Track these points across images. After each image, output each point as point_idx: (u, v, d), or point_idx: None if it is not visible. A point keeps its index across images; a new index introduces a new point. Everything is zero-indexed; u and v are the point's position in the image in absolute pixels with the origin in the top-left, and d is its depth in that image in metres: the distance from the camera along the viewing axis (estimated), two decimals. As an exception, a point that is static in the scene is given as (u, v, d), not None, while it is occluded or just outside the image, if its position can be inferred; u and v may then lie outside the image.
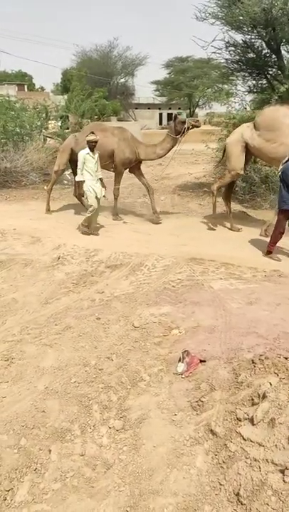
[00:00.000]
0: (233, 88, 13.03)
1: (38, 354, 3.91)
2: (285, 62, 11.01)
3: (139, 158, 8.84)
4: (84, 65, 39.03)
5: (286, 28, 9.88)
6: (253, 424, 2.67)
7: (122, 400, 3.26)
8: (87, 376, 3.55)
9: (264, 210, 9.37)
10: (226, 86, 13.43)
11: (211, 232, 8.02)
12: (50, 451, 2.86)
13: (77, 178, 7.84)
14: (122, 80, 42.60)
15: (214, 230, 8.09)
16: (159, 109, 47.23)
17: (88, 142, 7.50)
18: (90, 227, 7.72)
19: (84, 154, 7.51)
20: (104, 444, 2.89)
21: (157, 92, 48.71)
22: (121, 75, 42.34)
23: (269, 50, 10.93)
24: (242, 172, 8.00)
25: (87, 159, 7.52)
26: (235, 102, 11.32)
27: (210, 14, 10.59)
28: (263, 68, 11.31)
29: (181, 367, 3.52)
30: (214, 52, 11.52)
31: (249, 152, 7.68)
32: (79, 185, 8.44)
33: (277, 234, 6.46)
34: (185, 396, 3.20)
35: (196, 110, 46.37)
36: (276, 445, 2.48)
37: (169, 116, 47.05)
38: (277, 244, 6.60)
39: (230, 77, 12.53)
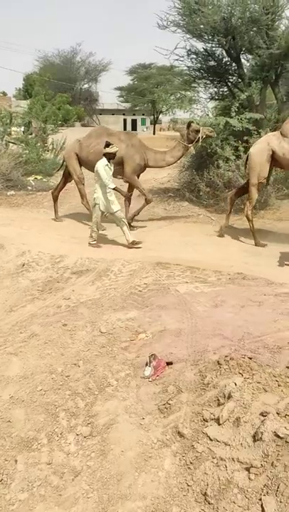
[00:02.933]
0: (196, 95, 13.28)
1: (2, 363, 3.84)
2: (245, 70, 11.31)
3: (147, 165, 8.48)
4: (46, 70, 38.80)
5: (245, 37, 10.14)
6: (219, 424, 2.72)
7: (89, 406, 3.25)
8: (54, 383, 3.51)
9: (227, 214, 9.55)
10: (188, 93, 13.64)
11: (176, 237, 8.09)
12: (16, 461, 2.81)
13: (112, 186, 7.23)
14: (86, 86, 42.60)
15: (265, 246, 7.48)
16: (124, 114, 47.46)
17: (109, 154, 7.14)
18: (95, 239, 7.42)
19: (104, 165, 7.14)
20: (72, 451, 2.86)
21: (121, 98, 48.99)
22: (84, 81, 42.32)
23: (229, 59, 11.19)
24: (265, 181, 7.66)
25: (106, 171, 7.16)
26: (198, 109, 11.52)
27: (171, 22, 10.75)
28: (224, 76, 11.57)
29: (148, 370, 3.53)
30: (176, 60, 11.71)
31: (275, 162, 7.36)
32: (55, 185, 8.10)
33: None
34: (152, 399, 3.22)
35: (160, 116, 46.88)
36: (241, 443, 2.53)
37: (134, 121, 47.43)
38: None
39: (193, 85, 12.72)
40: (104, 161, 7.17)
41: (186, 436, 2.76)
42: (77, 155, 8.58)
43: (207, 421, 2.80)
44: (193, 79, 12.21)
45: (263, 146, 7.35)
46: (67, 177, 9.03)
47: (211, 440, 2.65)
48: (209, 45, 11.14)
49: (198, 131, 8.18)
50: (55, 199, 9.24)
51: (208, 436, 2.68)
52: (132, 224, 8.45)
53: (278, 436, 2.45)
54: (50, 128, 15.23)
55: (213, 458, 2.53)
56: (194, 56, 11.42)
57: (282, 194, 9.86)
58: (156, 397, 3.23)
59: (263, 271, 5.97)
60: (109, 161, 7.20)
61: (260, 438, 2.49)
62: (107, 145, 7.16)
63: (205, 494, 2.37)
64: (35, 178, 13.34)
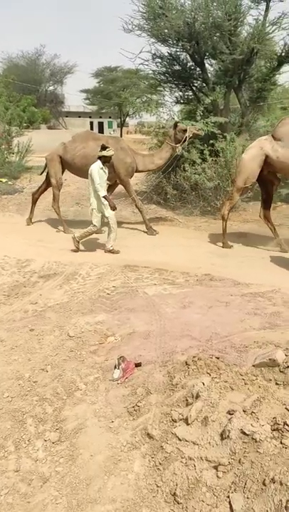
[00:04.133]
0: (162, 99, 13.41)
1: None
2: (209, 75, 11.49)
3: (136, 170, 8.44)
4: (10, 71, 38.07)
5: (208, 42, 10.33)
6: (188, 424, 2.74)
7: (57, 411, 3.21)
8: (21, 390, 3.45)
9: (194, 217, 9.70)
10: (154, 96, 13.74)
11: (144, 240, 8.13)
12: (-18, 470, 2.74)
13: (103, 194, 6.98)
14: (51, 88, 42.09)
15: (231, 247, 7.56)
16: (90, 117, 47.20)
17: (105, 157, 6.94)
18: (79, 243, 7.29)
19: (98, 169, 6.90)
20: (40, 457, 2.82)
21: (87, 101, 48.73)
22: (49, 83, 41.81)
23: (194, 63, 11.35)
24: (250, 186, 7.52)
25: (100, 175, 6.94)
26: (164, 112, 11.62)
27: (136, 26, 10.83)
28: (189, 80, 11.73)
29: (117, 373, 3.53)
30: (142, 64, 11.81)
31: (269, 166, 7.14)
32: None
33: None
34: (122, 402, 3.22)
35: (127, 119, 46.92)
36: (209, 442, 2.56)
37: (100, 124, 47.29)
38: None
39: (158, 88, 12.85)
40: (99, 164, 6.97)
41: (155, 438, 2.77)
42: (61, 158, 8.46)
43: (176, 421, 2.82)
44: (158, 82, 12.34)
45: (256, 152, 7.17)
46: (49, 180, 8.90)
47: (179, 440, 2.67)
48: (174, 49, 11.29)
49: (185, 131, 8.19)
50: (34, 201, 9.14)
51: (176, 436, 2.70)
52: (156, 232, 8.46)
53: (245, 433, 2.49)
54: (15, 130, 15.02)
55: (182, 458, 2.55)
56: (159, 60, 11.55)
57: (248, 197, 10.08)
58: (125, 400, 3.22)
59: (229, 272, 6.08)
60: (104, 165, 7.02)
61: (228, 436, 2.53)
62: (104, 148, 6.98)
63: (174, 494, 2.39)
64: (0, 181, 13.12)
